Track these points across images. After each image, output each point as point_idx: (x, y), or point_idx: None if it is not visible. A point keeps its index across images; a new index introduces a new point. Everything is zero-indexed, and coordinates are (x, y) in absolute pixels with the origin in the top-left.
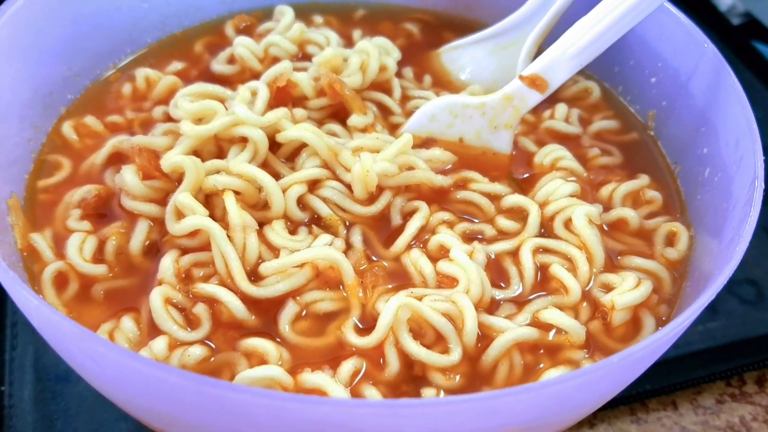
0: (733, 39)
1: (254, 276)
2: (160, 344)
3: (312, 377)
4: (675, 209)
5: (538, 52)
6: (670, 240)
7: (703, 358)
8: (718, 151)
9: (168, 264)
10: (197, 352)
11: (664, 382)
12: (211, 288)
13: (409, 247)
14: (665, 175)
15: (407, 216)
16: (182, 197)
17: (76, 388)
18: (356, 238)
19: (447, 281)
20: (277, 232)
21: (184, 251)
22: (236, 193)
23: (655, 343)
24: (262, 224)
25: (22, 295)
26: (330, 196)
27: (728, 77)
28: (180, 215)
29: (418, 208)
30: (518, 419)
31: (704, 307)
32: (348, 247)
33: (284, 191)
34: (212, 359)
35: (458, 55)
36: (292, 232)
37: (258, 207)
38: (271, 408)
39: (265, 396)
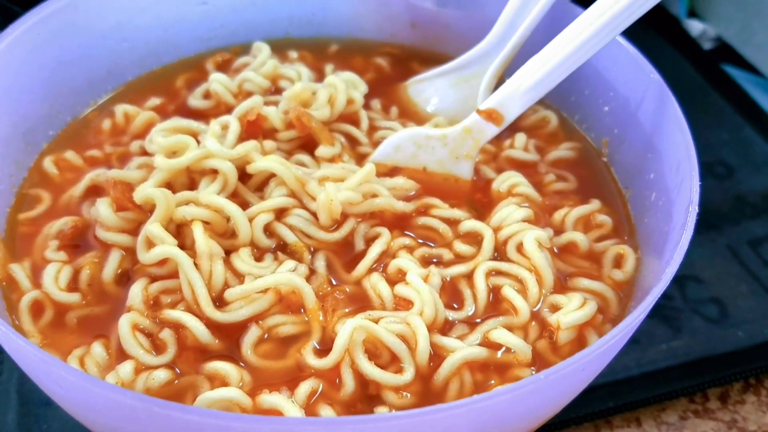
0: (704, 63)
1: (220, 302)
2: (126, 368)
3: (269, 398)
4: (624, 232)
5: (498, 84)
6: (618, 262)
7: (667, 376)
8: (662, 175)
9: (137, 291)
10: (161, 375)
11: (628, 399)
12: (177, 314)
13: (370, 271)
14: (616, 199)
15: (370, 241)
16: (152, 227)
17: (57, 412)
18: (320, 263)
19: (403, 303)
20: (243, 259)
21: (154, 279)
22: (206, 222)
23: (583, 359)
24: (230, 252)
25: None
26: (296, 224)
27: (671, 104)
28: (150, 245)
29: (380, 233)
30: None
31: (636, 325)
32: (311, 273)
33: (251, 220)
34: (176, 382)
35: (424, 88)
36: (258, 258)
37: (227, 235)
38: (220, 428)
39: (212, 416)
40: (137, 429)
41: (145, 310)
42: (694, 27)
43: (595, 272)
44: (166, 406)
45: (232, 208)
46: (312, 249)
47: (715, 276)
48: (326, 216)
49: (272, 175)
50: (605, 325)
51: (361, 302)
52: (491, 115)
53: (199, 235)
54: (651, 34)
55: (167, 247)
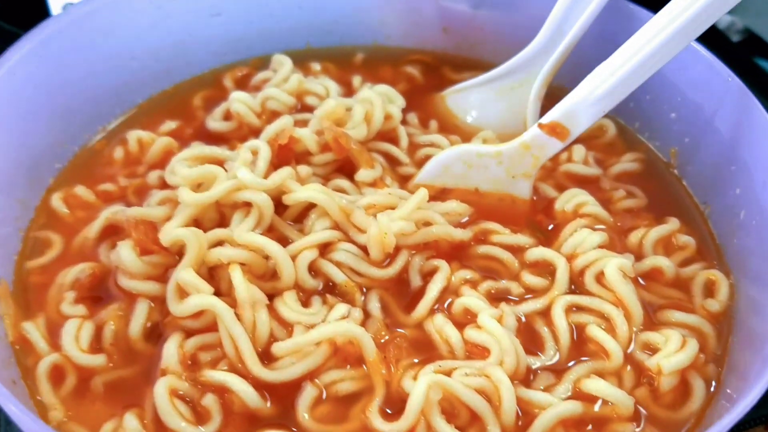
0: (734, 56)
1: (266, 357)
2: None
3: None
4: (711, 255)
5: (548, 92)
6: (709, 289)
7: None
8: (753, 191)
9: (172, 350)
10: None
11: None
12: (221, 375)
13: (431, 311)
14: (695, 216)
15: (427, 276)
16: (184, 274)
17: None
18: (374, 305)
19: (477, 351)
20: (289, 306)
21: (189, 333)
22: (242, 264)
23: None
24: (271, 296)
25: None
26: (344, 260)
27: (758, 113)
28: (183, 293)
29: (438, 267)
30: None
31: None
32: (366, 317)
33: (294, 258)
34: None
35: (463, 98)
36: (305, 302)
37: (266, 278)
38: None
39: None
40: None
41: (182, 371)
42: (722, 19)
43: (686, 302)
44: None
45: (273, 248)
46: (364, 289)
47: None
48: (378, 251)
49: (311, 206)
50: (708, 366)
51: (426, 350)
52: (555, 129)
53: (238, 280)
54: None
55: (205, 297)
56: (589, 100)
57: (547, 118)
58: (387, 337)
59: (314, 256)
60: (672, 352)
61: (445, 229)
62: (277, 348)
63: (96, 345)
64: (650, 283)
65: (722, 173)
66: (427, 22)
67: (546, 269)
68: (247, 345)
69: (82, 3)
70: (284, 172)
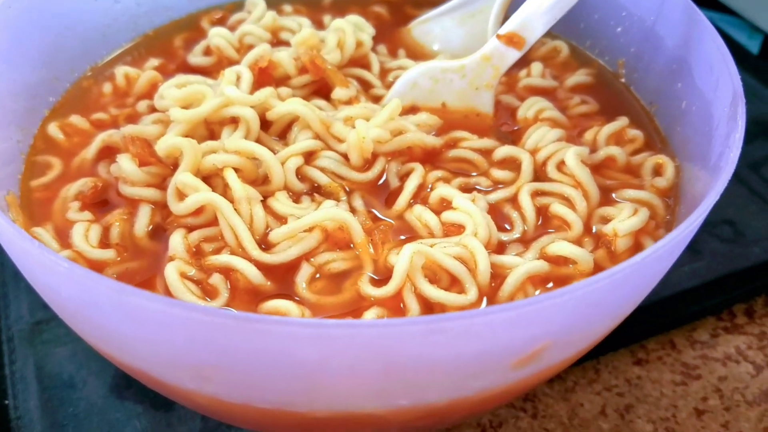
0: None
1: (264, 245)
2: None
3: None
4: (656, 145)
5: (507, 16)
6: (657, 171)
7: (693, 296)
8: (692, 82)
9: (178, 241)
10: None
11: (659, 321)
12: (225, 258)
13: (410, 204)
14: (642, 116)
15: (404, 178)
16: (183, 176)
17: (83, 393)
18: (358, 202)
19: (453, 229)
20: (281, 202)
21: (191, 229)
22: (235, 170)
23: (670, 242)
24: (264, 198)
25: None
26: (327, 166)
27: (692, 12)
28: (182, 196)
29: (413, 168)
30: (549, 329)
31: (709, 208)
32: (352, 211)
33: (282, 164)
34: None
35: (429, 28)
36: (295, 201)
37: (258, 183)
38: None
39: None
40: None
41: (189, 258)
42: None
43: (638, 183)
44: (264, 321)
45: (263, 152)
46: (347, 189)
47: (723, 200)
48: (358, 156)
49: (294, 121)
50: (658, 230)
51: (408, 234)
52: (512, 39)
53: (233, 180)
54: None
55: (204, 194)
56: (540, 10)
57: (503, 30)
58: (372, 225)
59: (300, 162)
60: (626, 218)
61: (418, 135)
62: (274, 234)
63: (104, 243)
64: (604, 169)
65: (664, 74)
66: None
67: (513, 164)
68: (246, 233)
69: None
70: (267, 91)
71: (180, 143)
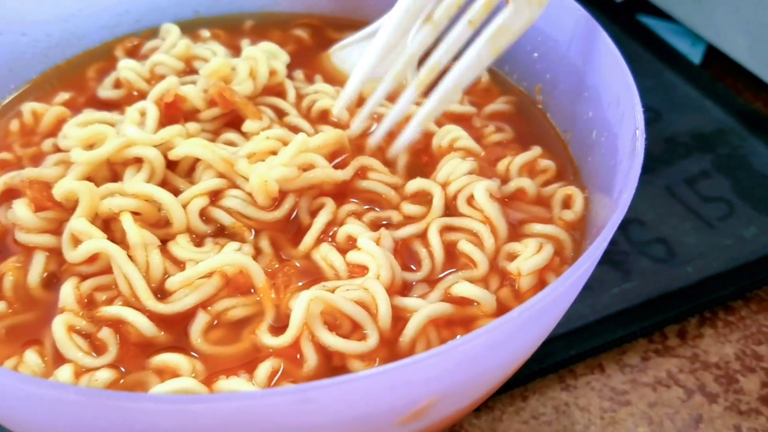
0: (619, 16)
1: (161, 294)
2: (65, 373)
3: (227, 383)
4: (568, 175)
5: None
6: (567, 203)
7: (623, 319)
8: (602, 111)
9: (68, 291)
10: (105, 375)
11: (588, 345)
12: (115, 309)
13: (318, 242)
14: (556, 144)
15: (315, 213)
16: (77, 223)
17: None
18: (264, 242)
19: (358, 270)
20: (181, 246)
21: (85, 278)
22: (136, 213)
23: (549, 295)
24: (166, 241)
25: None
26: (233, 206)
27: (601, 38)
28: (77, 242)
29: (324, 203)
30: (432, 388)
31: (600, 254)
32: (257, 252)
33: (185, 206)
34: (122, 381)
35: (347, 54)
36: (198, 244)
37: (160, 225)
38: (178, 414)
39: (170, 402)
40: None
41: (79, 309)
42: None
43: (546, 216)
44: (116, 397)
45: (162, 195)
46: (253, 230)
47: (657, 217)
48: (263, 197)
49: (199, 159)
50: (563, 267)
51: (314, 275)
52: None
53: (129, 225)
54: None
55: (96, 241)
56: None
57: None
58: (277, 266)
59: (205, 203)
60: (529, 256)
61: (326, 172)
62: (169, 282)
63: None
64: (515, 202)
65: (577, 101)
66: None
67: (424, 198)
68: (140, 282)
69: None
70: (173, 129)
71: (76, 187)
